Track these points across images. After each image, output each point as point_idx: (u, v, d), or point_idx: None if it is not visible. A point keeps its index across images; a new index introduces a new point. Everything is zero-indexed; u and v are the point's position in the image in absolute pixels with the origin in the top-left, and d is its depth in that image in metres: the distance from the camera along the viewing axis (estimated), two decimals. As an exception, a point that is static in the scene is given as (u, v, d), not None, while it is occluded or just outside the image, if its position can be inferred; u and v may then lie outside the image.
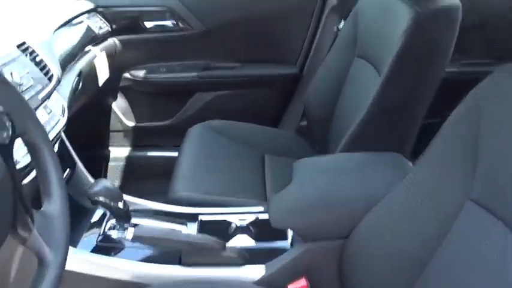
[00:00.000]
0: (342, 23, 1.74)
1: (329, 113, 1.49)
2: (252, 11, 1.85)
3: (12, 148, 0.67)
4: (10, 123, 0.67)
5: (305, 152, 1.61)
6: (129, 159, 2.13)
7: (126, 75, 1.96)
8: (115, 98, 2.05)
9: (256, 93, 1.96)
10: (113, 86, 1.95)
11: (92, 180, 1.33)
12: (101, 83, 1.67)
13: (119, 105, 2.07)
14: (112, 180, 2.12)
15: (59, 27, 1.43)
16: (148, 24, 1.85)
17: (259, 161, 1.51)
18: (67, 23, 1.51)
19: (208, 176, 1.39)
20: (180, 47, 1.91)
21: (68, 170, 1.21)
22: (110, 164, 2.15)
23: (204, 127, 1.63)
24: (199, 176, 1.38)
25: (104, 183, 1.02)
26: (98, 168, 2.13)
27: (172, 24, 1.84)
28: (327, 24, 1.81)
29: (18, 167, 0.90)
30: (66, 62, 1.40)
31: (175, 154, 2.04)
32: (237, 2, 1.85)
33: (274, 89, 1.97)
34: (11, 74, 0.98)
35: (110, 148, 2.16)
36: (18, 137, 0.69)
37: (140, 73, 1.95)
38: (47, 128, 1.07)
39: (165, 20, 1.83)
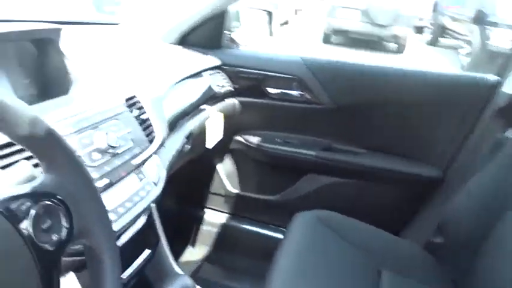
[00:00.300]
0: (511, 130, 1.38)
1: (477, 241, 1.14)
2: (396, 96, 1.57)
3: (60, 257, 0.48)
4: (67, 220, 0.48)
5: (436, 277, 1.27)
6: (223, 227, 1.98)
7: (239, 138, 1.82)
8: (222, 160, 1.92)
9: (381, 190, 1.67)
10: (223, 148, 1.81)
11: (173, 262, 1.13)
12: (210, 146, 1.52)
13: (225, 168, 1.94)
14: (200, 245, 1.98)
15: (178, 82, 1.31)
16: (272, 90, 1.68)
17: (375, 277, 1.21)
18: (188, 77, 1.39)
19: (310, 286, 1.12)
20: (302, 120, 1.72)
21: (148, 250, 1.02)
22: (202, 227, 2.02)
23: (312, 217, 1.38)
24: (299, 284, 1.12)
25: (184, 281, 0.86)
26: (189, 228, 2.01)
27: (299, 94, 1.65)
28: (488, 127, 1.44)
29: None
30: (177, 120, 1.27)
31: (274, 234, 1.87)
32: (379, 84, 1.58)
33: (404, 189, 1.65)
34: (107, 133, 0.83)
35: (206, 210, 2.03)
36: (72, 241, 0.49)
37: (254, 139, 1.79)
38: (135, 199, 0.90)
39: (291, 89, 1.66)
